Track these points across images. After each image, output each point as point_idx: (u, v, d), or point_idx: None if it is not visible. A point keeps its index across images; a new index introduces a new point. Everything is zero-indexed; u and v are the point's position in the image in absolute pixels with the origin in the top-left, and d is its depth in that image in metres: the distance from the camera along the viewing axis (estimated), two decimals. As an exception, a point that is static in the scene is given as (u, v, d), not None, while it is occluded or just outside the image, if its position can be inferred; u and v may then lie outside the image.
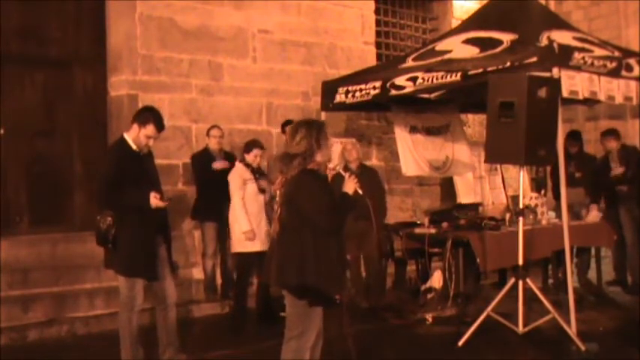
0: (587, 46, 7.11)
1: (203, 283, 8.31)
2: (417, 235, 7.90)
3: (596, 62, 6.63)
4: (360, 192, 4.46)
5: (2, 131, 8.02)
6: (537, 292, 6.44)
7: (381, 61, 10.41)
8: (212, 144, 8.19)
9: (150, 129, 5.41)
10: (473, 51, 7.37)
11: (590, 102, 7.65)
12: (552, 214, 8.25)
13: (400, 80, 7.39)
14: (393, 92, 7.46)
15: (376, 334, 6.91)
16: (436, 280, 7.88)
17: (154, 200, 5.32)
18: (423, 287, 8.04)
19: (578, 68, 6.45)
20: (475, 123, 11.04)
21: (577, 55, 6.49)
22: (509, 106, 6.05)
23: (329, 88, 8.24)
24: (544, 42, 6.90)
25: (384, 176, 9.64)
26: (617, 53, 7.32)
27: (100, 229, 5.32)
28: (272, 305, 7.02)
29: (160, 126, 5.48)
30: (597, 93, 6.62)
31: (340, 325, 4.90)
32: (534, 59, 6.48)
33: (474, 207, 9.01)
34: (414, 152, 8.66)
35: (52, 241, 7.89)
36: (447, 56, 7.49)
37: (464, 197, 9.66)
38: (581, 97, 6.50)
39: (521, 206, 6.63)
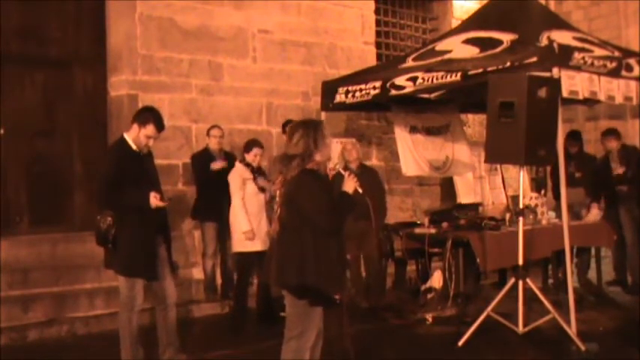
0: (587, 46, 7.11)
1: (203, 283, 8.31)
2: (417, 235, 7.90)
3: (596, 62, 6.63)
4: (360, 191, 4.46)
5: (2, 131, 8.02)
6: (537, 292, 6.44)
7: (381, 61, 10.41)
8: (212, 144, 8.19)
9: (150, 129, 5.41)
10: (473, 51, 7.37)
11: (590, 102, 7.65)
12: (552, 214, 8.25)
13: (400, 80, 7.39)
14: (393, 92, 7.47)
15: (376, 334, 6.91)
16: (436, 280, 7.88)
17: (154, 200, 5.32)
18: (423, 287, 8.04)
19: (578, 68, 6.45)
20: (475, 123, 11.04)
21: (577, 55, 6.49)
22: (509, 106, 6.05)
23: (329, 88, 8.24)
24: (544, 42, 6.90)
25: (384, 176, 9.64)
26: (617, 53, 7.32)
27: (100, 229, 5.32)
28: (272, 305, 7.01)
29: (159, 126, 5.48)
30: (597, 93, 6.62)
31: (340, 325, 4.89)
32: (534, 59, 6.48)
33: (474, 207, 9.01)
34: (414, 152, 8.66)
35: (52, 241, 7.89)
36: (447, 56, 7.49)
37: (464, 197, 9.66)
38: (581, 97, 6.50)
39: (521, 206, 6.63)
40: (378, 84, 7.58)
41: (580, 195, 8.49)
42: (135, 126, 5.45)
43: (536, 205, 8.23)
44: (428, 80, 7.16)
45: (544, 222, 8.08)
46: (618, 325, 7.10)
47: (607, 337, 6.57)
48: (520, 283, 6.35)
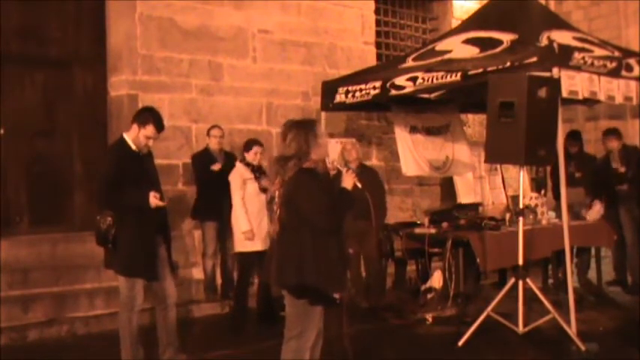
0: (587, 46, 7.11)
1: (203, 283, 8.31)
2: (417, 235, 7.90)
3: (596, 62, 6.63)
4: (359, 185, 4.44)
5: (2, 131, 8.02)
6: (537, 292, 6.44)
7: (381, 61, 10.41)
8: (212, 144, 8.20)
9: (149, 129, 5.41)
10: (473, 51, 7.37)
11: (590, 102, 7.64)
12: (552, 214, 8.24)
13: (400, 80, 7.39)
14: (393, 92, 7.46)
15: (376, 334, 6.91)
16: (436, 280, 7.88)
17: (154, 200, 5.31)
18: (423, 287, 8.04)
19: (578, 68, 6.45)
20: (475, 123, 11.04)
21: (577, 55, 6.49)
22: (509, 106, 6.05)
23: (329, 88, 8.24)
24: (544, 42, 6.90)
25: (384, 176, 9.64)
26: (617, 53, 7.32)
27: (100, 229, 5.32)
28: (273, 305, 7.00)
29: (159, 127, 5.48)
30: (597, 93, 6.62)
31: (340, 324, 4.89)
32: (534, 59, 6.48)
33: (474, 207, 9.01)
34: (414, 152, 8.66)
35: (52, 241, 7.89)
36: (447, 56, 7.49)
37: (464, 197, 9.66)
38: (581, 97, 6.50)
39: (521, 206, 6.63)
40: (378, 84, 7.58)
41: (580, 195, 8.49)
42: (135, 126, 5.45)
43: (536, 205, 8.22)
44: (428, 80, 7.16)
45: (544, 222, 8.08)
46: (618, 325, 7.09)
47: (607, 337, 6.56)
48: (520, 283, 6.35)
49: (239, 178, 7.10)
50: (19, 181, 8.15)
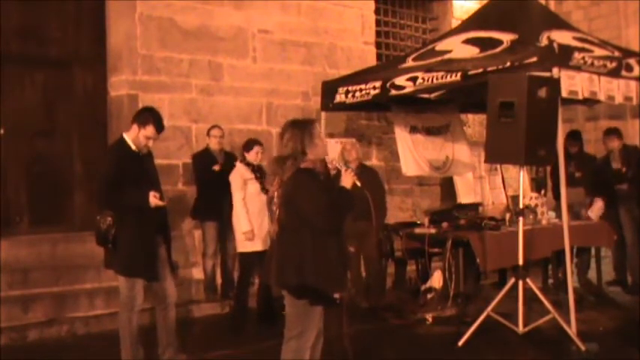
0: (587, 46, 7.11)
1: (203, 283, 8.31)
2: (417, 235, 7.90)
3: (596, 62, 6.63)
4: (359, 184, 4.44)
5: (2, 131, 8.02)
6: (537, 292, 6.44)
7: (381, 61, 10.41)
8: (212, 144, 8.20)
9: (149, 130, 5.41)
10: (473, 51, 7.37)
11: (590, 102, 7.64)
12: (552, 214, 8.24)
13: (400, 80, 7.39)
14: (393, 92, 7.46)
15: (376, 334, 6.91)
16: (436, 280, 7.88)
17: (153, 199, 5.31)
18: (423, 287, 8.04)
19: (578, 68, 6.45)
20: (475, 123, 11.04)
21: (577, 55, 6.49)
22: (509, 106, 6.05)
23: (329, 88, 8.24)
24: (544, 42, 6.90)
25: (384, 176, 9.64)
26: (617, 53, 7.32)
27: (100, 229, 5.32)
28: (273, 305, 7.00)
29: (159, 127, 5.48)
30: (597, 93, 6.62)
31: (340, 324, 4.90)
32: (534, 59, 6.48)
33: (474, 207, 9.00)
34: (414, 152, 8.66)
35: (52, 241, 7.89)
36: (447, 56, 7.49)
37: (464, 197, 9.65)
38: (581, 97, 6.50)
39: (521, 206, 6.63)
40: (378, 84, 7.58)
41: (580, 195, 8.49)
42: (134, 126, 5.45)
43: (536, 205, 8.22)
44: (428, 80, 7.16)
45: (544, 222, 8.08)
46: (618, 325, 7.09)
47: (607, 337, 6.57)
48: (520, 283, 6.35)
49: (240, 178, 7.10)
50: (19, 181, 8.15)
